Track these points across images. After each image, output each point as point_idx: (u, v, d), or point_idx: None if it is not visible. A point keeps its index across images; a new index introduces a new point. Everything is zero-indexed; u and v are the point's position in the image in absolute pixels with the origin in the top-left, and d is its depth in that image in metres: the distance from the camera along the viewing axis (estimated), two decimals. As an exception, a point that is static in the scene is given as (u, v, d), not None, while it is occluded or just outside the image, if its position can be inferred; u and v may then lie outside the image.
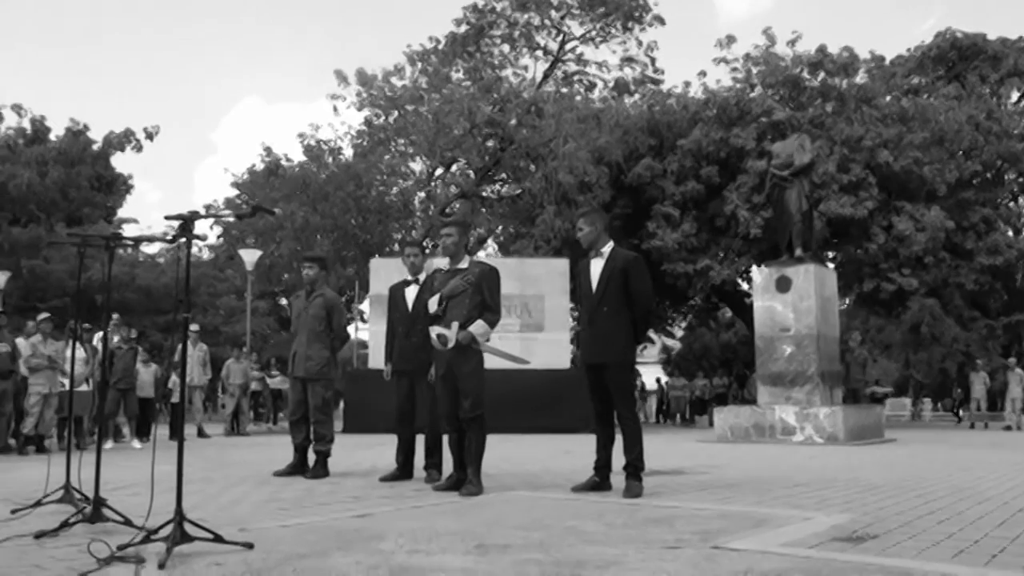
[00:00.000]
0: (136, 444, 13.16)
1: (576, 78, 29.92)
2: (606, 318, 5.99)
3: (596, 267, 6.12)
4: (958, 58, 32.78)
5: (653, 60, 29.04)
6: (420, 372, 6.93)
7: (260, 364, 22.50)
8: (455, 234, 6.29)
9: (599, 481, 6.11)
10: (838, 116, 24.31)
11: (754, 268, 16.21)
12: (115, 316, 14.05)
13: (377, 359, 17.06)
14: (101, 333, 10.99)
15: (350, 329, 28.31)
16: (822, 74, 25.32)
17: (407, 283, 7.42)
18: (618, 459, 6.03)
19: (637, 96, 28.53)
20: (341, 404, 19.40)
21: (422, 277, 7.29)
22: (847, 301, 28.67)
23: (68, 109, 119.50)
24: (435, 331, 6.11)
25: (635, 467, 5.92)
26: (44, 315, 12.17)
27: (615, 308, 5.98)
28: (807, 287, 14.22)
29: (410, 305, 7.26)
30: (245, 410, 18.81)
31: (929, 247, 23.04)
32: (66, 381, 11.45)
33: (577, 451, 10.34)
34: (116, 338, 13.11)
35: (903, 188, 24.02)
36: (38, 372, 11.57)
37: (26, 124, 31.70)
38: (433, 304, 6.20)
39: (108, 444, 12.33)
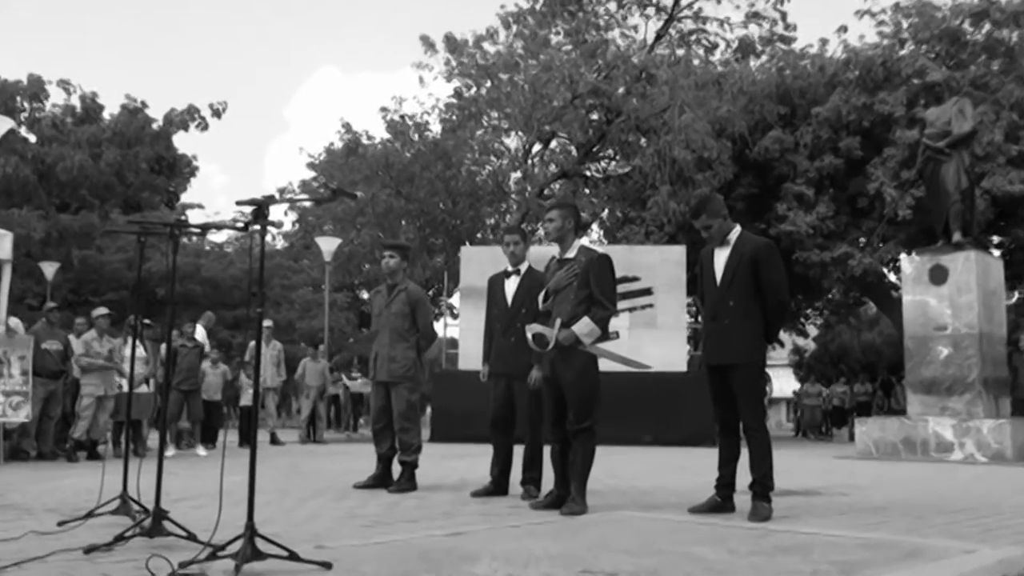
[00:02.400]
0: (201, 451, 13.53)
1: (694, 38, 29.55)
2: (732, 313, 5.92)
3: (721, 255, 6.05)
4: None
5: (784, 15, 28.45)
6: (519, 374, 6.89)
7: (336, 365, 22.87)
8: (557, 218, 6.23)
9: (721, 501, 6.04)
10: (1006, 75, 23.48)
11: (903, 256, 15.85)
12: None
13: (469, 359, 17.18)
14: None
15: (438, 326, 28.61)
16: (987, 25, 24.42)
17: (507, 274, 7.35)
18: (743, 476, 5.96)
19: (765, 58, 28.03)
20: (428, 410, 19.63)
21: (523, 268, 7.27)
22: (1016, 294, 27.79)
23: (123, 85, 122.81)
24: (532, 330, 6.04)
25: (763, 486, 5.84)
26: (101, 310, 12.48)
27: (743, 302, 5.91)
28: (967, 278, 13.83)
29: (509, 299, 7.23)
30: (322, 415, 19.17)
31: (1115, 230, 22.20)
32: (124, 382, 11.76)
33: (694, 467, 10.29)
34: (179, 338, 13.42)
35: (1084, 160, 23.14)
36: (91, 372, 11.76)
37: (75, 102, 32.26)
38: (540, 300, 6.16)
39: (170, 451, 12.53)
